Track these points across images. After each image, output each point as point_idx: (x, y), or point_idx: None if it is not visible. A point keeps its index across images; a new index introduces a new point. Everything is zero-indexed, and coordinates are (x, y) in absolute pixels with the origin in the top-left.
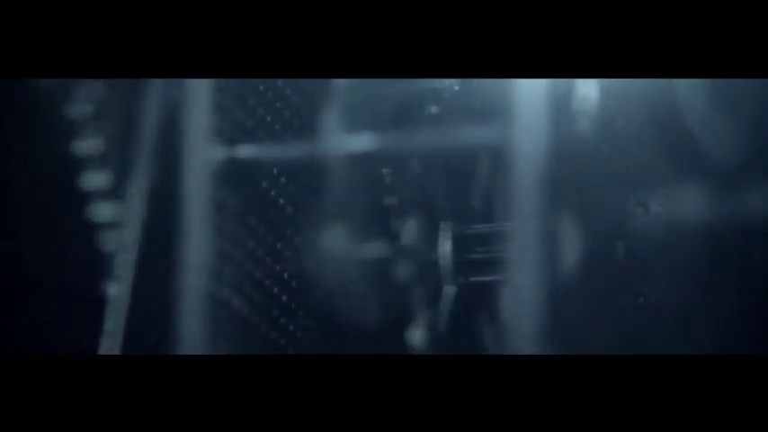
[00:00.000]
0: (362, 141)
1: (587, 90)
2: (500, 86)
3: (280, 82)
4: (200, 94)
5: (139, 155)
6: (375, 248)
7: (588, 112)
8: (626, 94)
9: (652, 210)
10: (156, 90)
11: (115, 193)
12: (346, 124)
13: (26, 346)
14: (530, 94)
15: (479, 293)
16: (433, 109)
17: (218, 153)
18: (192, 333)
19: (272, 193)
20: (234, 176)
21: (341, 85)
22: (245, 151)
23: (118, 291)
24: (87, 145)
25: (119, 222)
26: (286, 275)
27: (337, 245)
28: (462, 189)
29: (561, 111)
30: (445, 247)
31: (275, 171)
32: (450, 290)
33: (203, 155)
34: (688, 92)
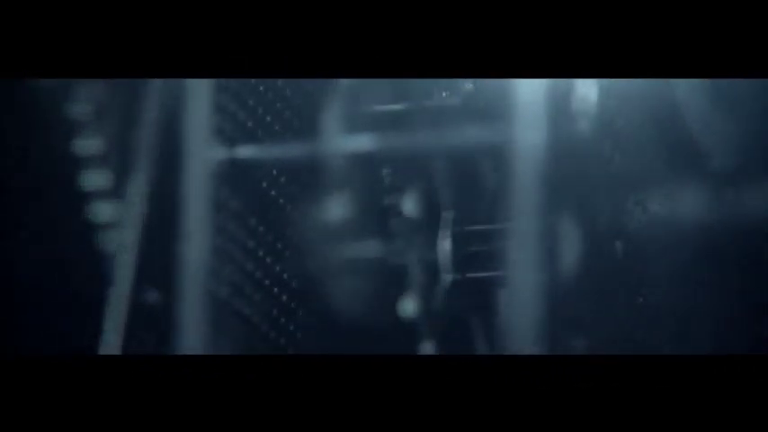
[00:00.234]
0: (362, 141)
1: (587, 90)
2: (500, 86)
3: (280, 82)
4: (200, 94)
5: (139, 155)
6: (375, 248)
7: (588, 112)
8: (626, 94)
9: (651, 210)
10: (156, 90)
11: (115, 193)
12: (346, 124)
13: (26, 346)
14: (530, 94)
15: (479, 293)
16: (434, 109)
17: (218, 153)
18: (192, 333)
19: (272, 193)
20: (234, 176)
21: (341, 85)
22: (245, 151)
23: (118, 291)
24: (87, 145)
25: (119, 222)
26: (286, 275)
27: (337, 245)
28: (462, 189)
29: (561, 111)
30: (445, 246)
31: (275, 171)
32: (449, 290)
33: (203, 155)
34: (688, 92)
